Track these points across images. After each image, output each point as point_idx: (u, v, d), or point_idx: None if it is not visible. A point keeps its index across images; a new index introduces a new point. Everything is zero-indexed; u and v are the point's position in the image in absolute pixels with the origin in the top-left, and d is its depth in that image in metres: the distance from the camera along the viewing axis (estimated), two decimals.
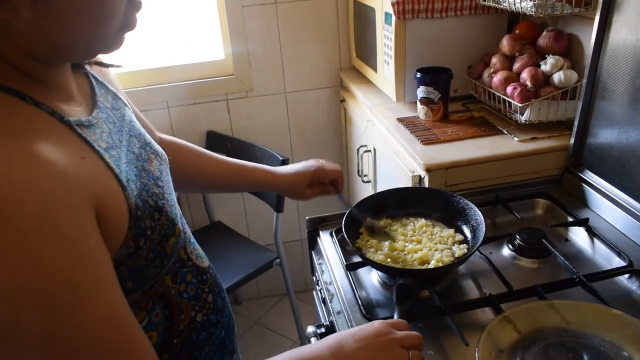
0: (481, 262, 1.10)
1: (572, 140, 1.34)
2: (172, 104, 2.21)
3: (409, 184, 1.38)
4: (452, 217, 1.16)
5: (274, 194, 2.05)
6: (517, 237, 1.14)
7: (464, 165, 1.34)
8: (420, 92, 1.56)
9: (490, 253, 1.14)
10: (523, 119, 1.43)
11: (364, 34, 1.95)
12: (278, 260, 2.14)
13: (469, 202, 1.14)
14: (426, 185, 1.33)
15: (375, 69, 1.86)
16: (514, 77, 1.47)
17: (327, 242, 1.23)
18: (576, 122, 1.32)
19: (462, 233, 1.12)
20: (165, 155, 0.85)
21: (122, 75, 2.04)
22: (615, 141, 1.21)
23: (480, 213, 1.10)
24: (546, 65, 1.42)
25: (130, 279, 0.67)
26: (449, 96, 1.57)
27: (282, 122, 2.35)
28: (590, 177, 1.29)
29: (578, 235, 1.19)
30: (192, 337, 0.78)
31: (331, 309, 1.07)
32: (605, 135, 1.24)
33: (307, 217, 1.29)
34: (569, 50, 1.48)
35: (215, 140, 2.27)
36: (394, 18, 1.56)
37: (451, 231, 1.12)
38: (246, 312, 2.64)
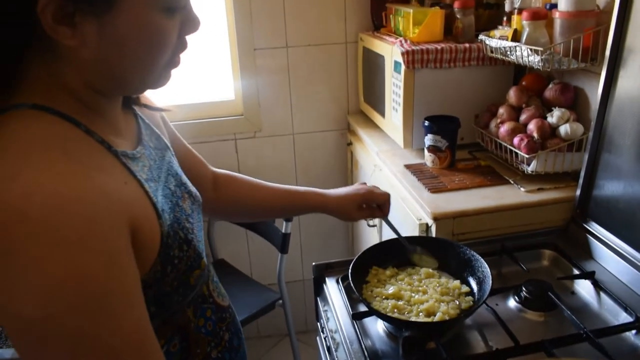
0: (487, 314, 1.09)
1: (578, 192, 1.35)
2: None
3: (415, 231, 1.38)
4: (458, 267, 1.17)
5: (280, 235, 2.06)
6: (524, 289, 1.14)
7: (471, 215, 1.34)
8: (428, 140, 1.58)
9: (497, 305, 1.13)
10: (530, 169, 1.44)
11: (373, 79, 1.98)
12: (281, 301, 2.13)
13: (475, 253, 1.14)
14: (433, 233, 1.34)
15: (383, 114, 1.89)
16: (521, 128, 1.49)
17: (333, 289, 1.23)
18: (582, 174, 1.33)
19: (468, 284, 1.12)
20: (199, 197, 0.90)
21: None
22: (622, 194, 1.22)
23: (486, 265, 1.10)
24: (552, 118, 1.44)
25: (154, 304, 0.70)
26: (456, 144, 1.59)
27: (289, 163, 2.37)
28: (596, 229, 1.30)
29: (584, 288, 1.19)
30: None
31: (337, 359, 1.06)
32: (612, 188, 1.25)
33: (313, 263, 1.29)
34: (575, 102, 1.51)
35: None
36: (403, 67, 1.60)
37: (457, 282, 1.12)
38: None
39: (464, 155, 1.68)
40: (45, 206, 0.54)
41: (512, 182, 1.47)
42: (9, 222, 0.53)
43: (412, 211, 1.44)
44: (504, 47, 1.48)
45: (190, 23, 0.70)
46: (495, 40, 1.52)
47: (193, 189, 0.89)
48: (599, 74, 1.25)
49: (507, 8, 1.58)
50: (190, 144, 2.21)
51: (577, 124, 1.42)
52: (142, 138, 0.80)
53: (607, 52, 1.21)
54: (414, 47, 1.59)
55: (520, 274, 1.22)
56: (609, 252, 1.24)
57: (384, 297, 1.09)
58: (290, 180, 2.39)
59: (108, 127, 0.71)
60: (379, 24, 2.09)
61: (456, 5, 1.68)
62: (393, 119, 1.77)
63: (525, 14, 1.41)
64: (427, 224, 1.36)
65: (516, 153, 1.47)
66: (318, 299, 1.26)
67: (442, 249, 1.20)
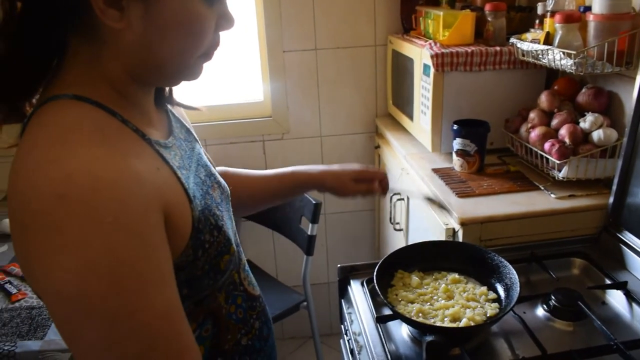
0: (514, 322, 1.07)
1: (611, 200, 1.32)
2: (210, 142, 2.26)
3: (441, 236, 1.37)
4: (485, 273, 1.15)
5: (305, 237, 2.05)
6: (553, 297, 1.12)
7: (499, 221, 1.32)
8: (457, 144, 1.56)
9: (524, 313, 1.11)
10: (561, 175, 1.41)
11: (401, 82, 1.97)
12: (305, 303, 2.13)
13: (503, 259, 1.12)
14: (460, 238, 1.32)
15: (411, 117, 1.87)
16: (552, 133, 1.46)
17: (357, 291, 1.22)
18: (615, 181, 1.30)
19: (495, 291, 1.11)
20: (227, 188, 0.92)
21: None
22: None
23: (514, 272, 1.08)
24: (585, 123, 1.41)
25: (186, 286, 0.72)
26: (486, 149, 1.57)
27: None
28: (630, 238, 1.26)
29: (616, 299, 1.16)
30: None
31: None
32: None
33: (338, 265, 1.28)
34: (608, 108, 1.47)
35: None
36: (432, 70, 1.58)
37: (484, 289, 1.11)
38: None
39: (493, 160, 1.66)
40: (84, 187, 0.57)
41: (542, 188, 1.44)
42: (49, 202, 0.56)
43: (438, 215, 1.43)
44: (536, 51, 1.46)
45: (226, 18, 0.73)
46: (527, 44, 1.49)
47: (222, 180, 0.91)
48: (634, 79, 1.22)
49: (539, 11, 1.55)
50: (219, 144, 2.26)
51: (610, 130, 1.38)
52: (172, 130, 0.82)
53: None
54: (443, 50, 1.58)
55: (550, 282, 1.20)
56: None
57: (408, 301, 1.08)
58: None
59: (142, 117, 0.73)
60: (408, 26, 2.07)
61: (487, 8, 1.66)
62: (421, 122, 1.76)
63: (558, 16, 1.39)
64: (453, 229, 1.34)
65: (547, 159, 1.44)
66: (342, 301, 1.26)
67: (469, 254, 1.18)
